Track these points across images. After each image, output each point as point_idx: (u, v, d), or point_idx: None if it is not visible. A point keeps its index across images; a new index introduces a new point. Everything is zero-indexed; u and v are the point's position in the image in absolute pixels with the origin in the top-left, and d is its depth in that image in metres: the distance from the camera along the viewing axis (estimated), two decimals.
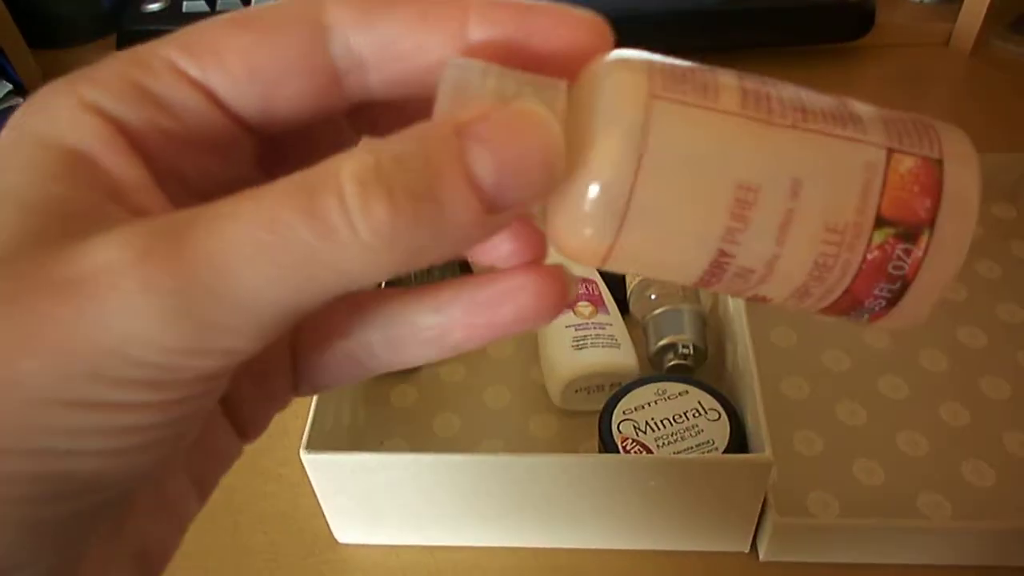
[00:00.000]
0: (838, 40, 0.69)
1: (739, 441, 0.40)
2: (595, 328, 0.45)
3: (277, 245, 0.13)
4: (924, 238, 0.17)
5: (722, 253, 0.17)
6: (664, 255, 0.17)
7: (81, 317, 0.13)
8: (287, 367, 0.19)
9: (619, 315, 0.47)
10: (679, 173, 0.16)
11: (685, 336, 0.45)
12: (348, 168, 0.14)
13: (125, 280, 0.13)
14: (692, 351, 0.45)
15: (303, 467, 0.37)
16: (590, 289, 0.48)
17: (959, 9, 0.69)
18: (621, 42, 0.17)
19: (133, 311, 0.13)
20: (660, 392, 0.42)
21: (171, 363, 0.14)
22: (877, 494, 0.42)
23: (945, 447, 0.44)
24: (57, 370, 0.13)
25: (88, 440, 0.14)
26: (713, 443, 0.40)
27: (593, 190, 0.16)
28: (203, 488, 0.20)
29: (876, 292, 0.17)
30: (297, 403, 0.50)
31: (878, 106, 0.18)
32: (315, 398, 0.38)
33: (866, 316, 0.18)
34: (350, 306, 0.18)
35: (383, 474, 0.38)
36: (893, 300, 0.17)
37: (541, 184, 0.15)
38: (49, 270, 0.14)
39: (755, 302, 0.19)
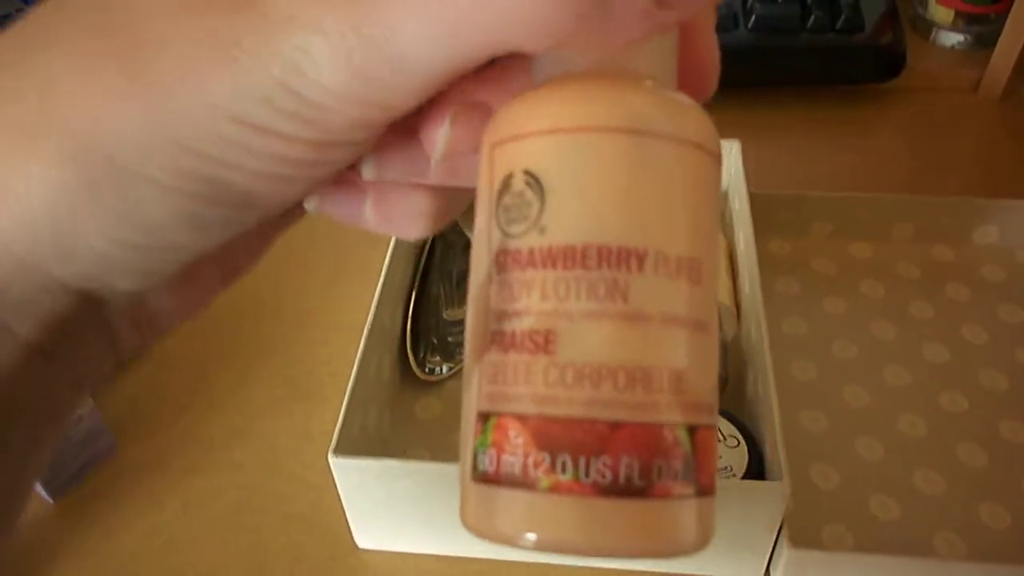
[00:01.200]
0: (868, 81, 0.70)
1: (757, 469, 0.40)
2: None
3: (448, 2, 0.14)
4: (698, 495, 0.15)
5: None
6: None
7: (260, 42, 0.14)
8: None
9: None
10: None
11: None
12: None
13: (302, 15, 0.14)
14: None
15: (327, 471, 0.38)
16: None
17: (989, 56, 0.70)
18: None
19: (305, 47, 0.14)
20: None
21: (329, 104, 0.15)
22: (892, 530, 0.42)
23: (962, 487, 0.44)
24: (236, 89, 0.15)
25: (250, 158, 0.16)
26: (731, 470, 0.40)
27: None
28: (291, 217, 0.22)
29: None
30: (322, 410, 0.51)
31: None
32: (344, 406, 0.39)
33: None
34: None
35: (408, 481, 0.38)
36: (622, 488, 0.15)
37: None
38: None
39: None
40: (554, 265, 0.15)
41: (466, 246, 0.54)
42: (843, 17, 0.66)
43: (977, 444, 0.46)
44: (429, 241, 0.54)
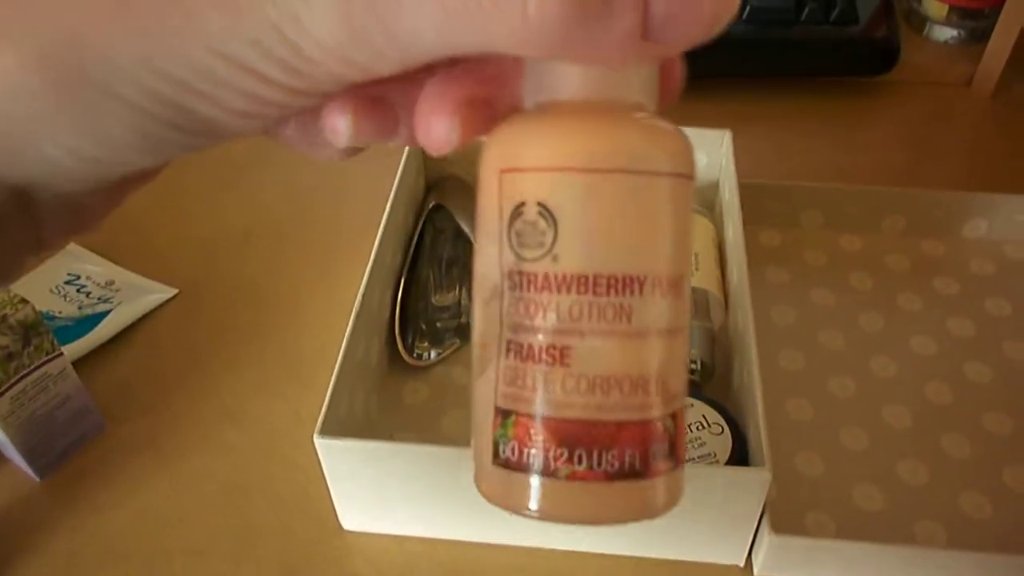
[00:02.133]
0: (862, 74, 0.70)
1: (741, 456, 0.41)
2: None
3: None
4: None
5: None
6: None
7: None
8: None
9: None
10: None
11: (693, 351, 0.46)
12: None
13: None
14: (700, 366, 0.46)
15: (314, 454, 0.39)
16: None
17: (982, 51, 0.70)
18: None
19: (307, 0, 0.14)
20: None
21: (316, 58, 0.15)
22: (874, 519, 0.43)
23: (945, 478, 0.44)
24: (229, 28, 0.15)
25: (225, 93, 0.16)
26: (715, 456, 0.41)
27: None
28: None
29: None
30: (311, 393, 0.52)
31: None
32: (330, 388, 0.40)
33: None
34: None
35: (393, 463, 0.39)
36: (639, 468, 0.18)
37: (699, 35, 0.15)
38: None
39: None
40: (568, 290, 0.17)
41: (456, 232, 0.54)
42: (837, 10, 0.66)
43: (961, 435, 0.46)
44: (419, 226, 0.54)
